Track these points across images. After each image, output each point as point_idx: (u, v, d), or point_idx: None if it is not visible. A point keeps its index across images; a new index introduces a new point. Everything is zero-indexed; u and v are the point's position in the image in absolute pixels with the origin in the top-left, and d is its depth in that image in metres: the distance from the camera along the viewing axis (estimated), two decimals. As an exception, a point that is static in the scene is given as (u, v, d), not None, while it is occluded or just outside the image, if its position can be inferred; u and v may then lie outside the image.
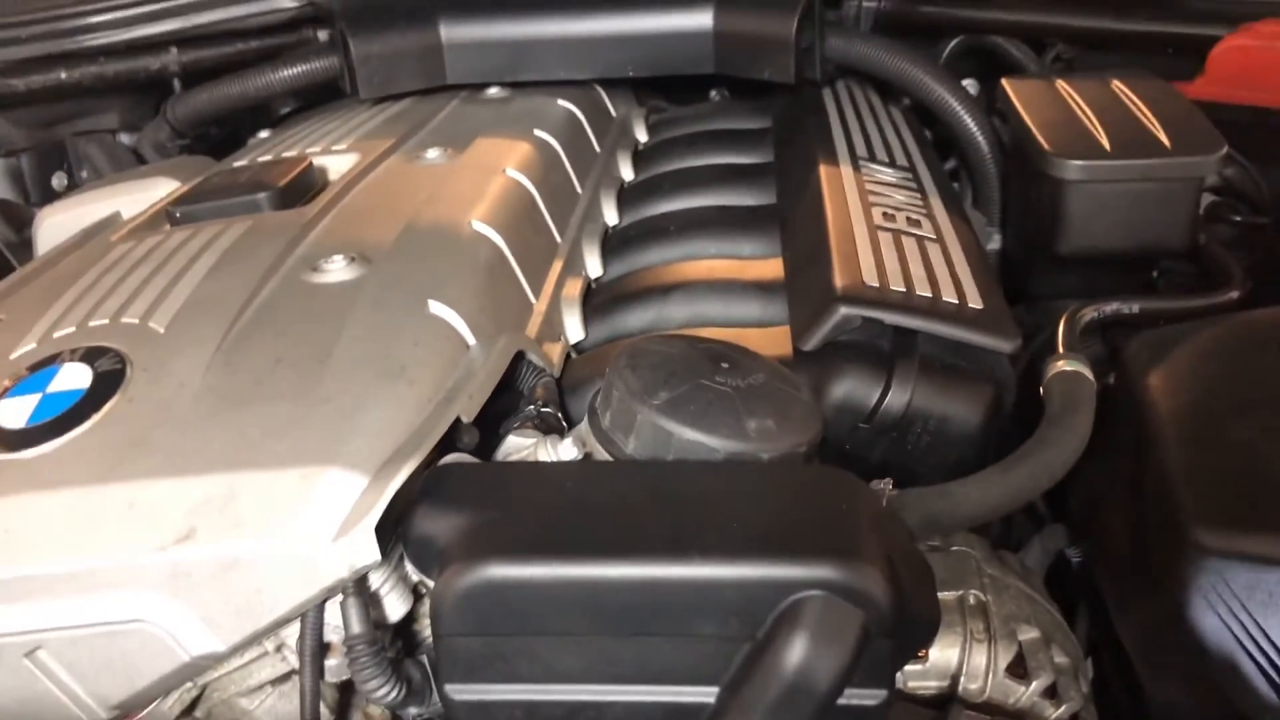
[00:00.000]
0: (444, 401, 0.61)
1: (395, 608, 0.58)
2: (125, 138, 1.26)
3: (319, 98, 1.33)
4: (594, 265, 0.93)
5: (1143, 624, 0.66)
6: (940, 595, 0.66)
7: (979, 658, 0.65)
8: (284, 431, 0.57)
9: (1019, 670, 0.65)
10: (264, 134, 1.19)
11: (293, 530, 0.54)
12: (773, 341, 0.74)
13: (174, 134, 1.22)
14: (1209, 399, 0.64)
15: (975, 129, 1.04)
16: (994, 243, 1.05)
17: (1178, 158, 0.80)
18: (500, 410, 0.70)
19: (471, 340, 0.68)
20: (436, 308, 0.67)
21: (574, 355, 0.79)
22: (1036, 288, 0.96)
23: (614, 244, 0.97)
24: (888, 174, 0.91)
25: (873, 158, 0.95)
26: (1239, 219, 0.95)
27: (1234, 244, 0.90)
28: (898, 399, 0.68)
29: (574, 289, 0.86)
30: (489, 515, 0.53)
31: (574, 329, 0.82)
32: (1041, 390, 0.69)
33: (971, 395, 0.69)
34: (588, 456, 0.60)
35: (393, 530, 0.55)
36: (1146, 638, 0.66)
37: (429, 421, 0.59)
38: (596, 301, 0.87)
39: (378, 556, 0.54)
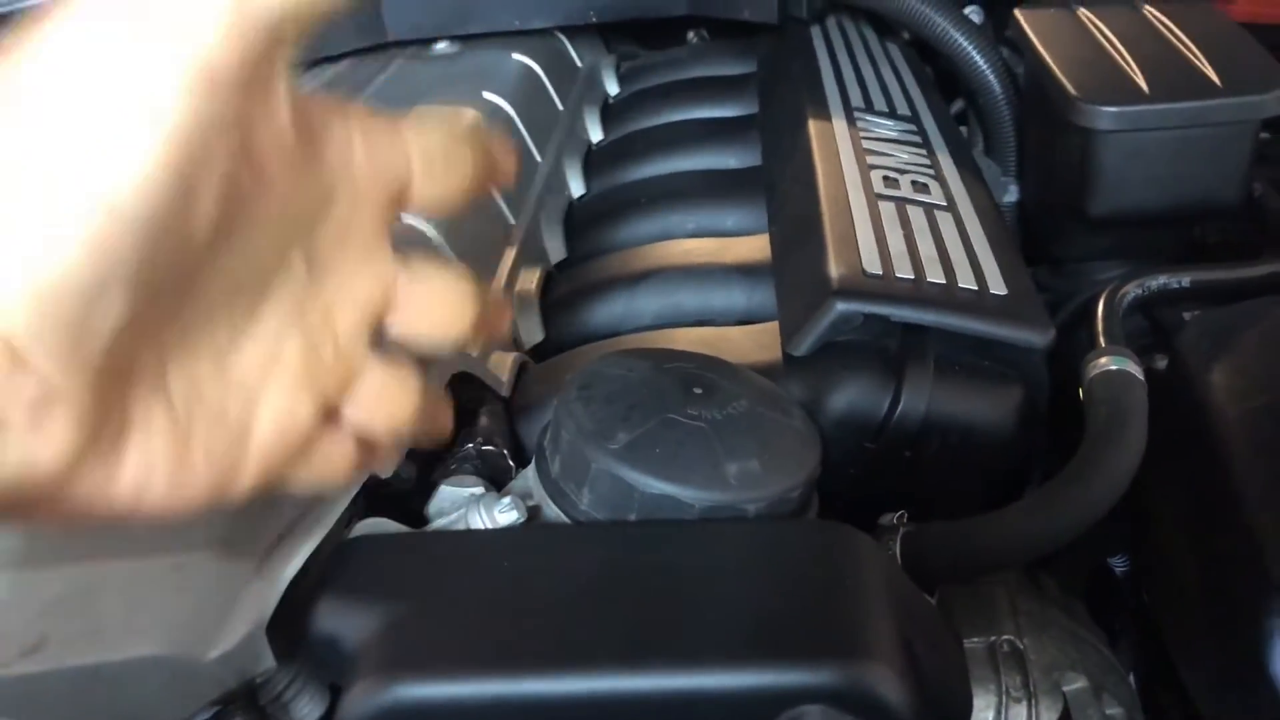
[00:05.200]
0: (355, 453, 0.50)
1: (306, 712, 0.47)
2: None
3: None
4: (556, 248, 0.81)
5: (1213, 666, 0.56)
6: (965, 644, 0.56)
7: (1017, 719, 0.54)
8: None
9: (1066, 730, 0.55)
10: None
11: (163, 634, 0.43)
12: (758, 343, 0.63)
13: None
14: (1288, 400, 0.53)
15: (986, 67, 0.91)
16: (1010, 194, 0.93)
17: (1230, 98, 0.68)
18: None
19: (396, 365, 0.56)
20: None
21: (530, 364, 0.68)
22: (1061, 249, 0.84)
23: (579, 220, 0.85)
24: (888, 127, 0.79)
25: (870, 108, 0.83)
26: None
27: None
28: (911, 410, 0.57)
29: (530, 282, 0.74)
30: (404, 612, 0.42)
31: (531, 331, 0.71)
32: (1081, 393, 0.57)
33: (999, 400, 0.58)
34: (535, 512, 0.49)
35: (293, 622, 0.45)
36: (1217, 681, 0.56)
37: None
38: (558, 294, 0.75)
39: (272, 662, 0.44)
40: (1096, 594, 0.71)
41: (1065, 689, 0.56)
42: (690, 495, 0.46)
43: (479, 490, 0.52)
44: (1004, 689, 0.54)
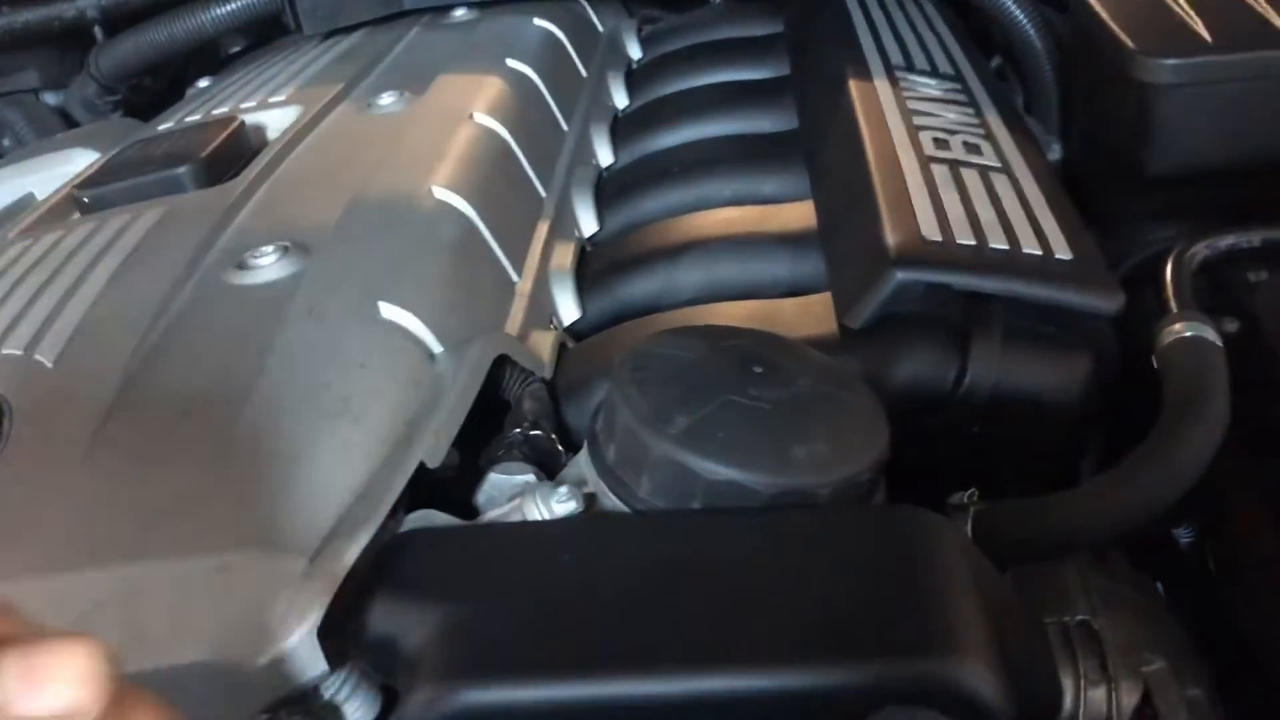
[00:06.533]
0: (402, 442, 0.48)
1: (359, 716, 0.45)
2: (50, 97, 1.11)
3: (271, 33, 1.17)
4: (588, 221, 0.79)
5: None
6: (1040, 624, 0.54)
7: (1096, 703, 0.52)
8: (194, 505, 0.44)
9: (1147, 713, 0.52)
10: (203, 83, 1.04)
11: (210, 639, 0.41)
12: (811, 315, 0.60)
13: (102, 90, 1.06)
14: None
15: (1026, 21, 0.88)
16: (1054, 153, 0.90)
17: (1299, 46, 0.64)
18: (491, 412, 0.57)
19: (436, 348, 0.54)
20: (389, 311, 0.53)
21: (569, 344, 0.65)
22: (1111, 209, 0.80)
23: (610, 190, 0.83)
24: (932, 87, 0.76)
25: (911, 67, 0.79)
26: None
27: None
28: (979, 382, 0.54)
29: (565, 256, 0.71)
30: (464, 611, 0.40)
31: (568, 308, 0.68)
32: (1155, 361, 0.55)
33: (1069, 370, 0.55)
34: (591, 501, 0.47)
35: (346, 624, 0.43)
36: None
37: (383, 474, 0.46)
38: (594, 269, 0.73)
39: (324, 666, 0.42)
40: (1154, 563, 0.69)
41: (1144, 670, 0.53)
42: (756, 481, 0.44)
43: (529, 478, 0.50)
44: (1081, 673, 0.52)
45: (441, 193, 0.63)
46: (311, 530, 0.43)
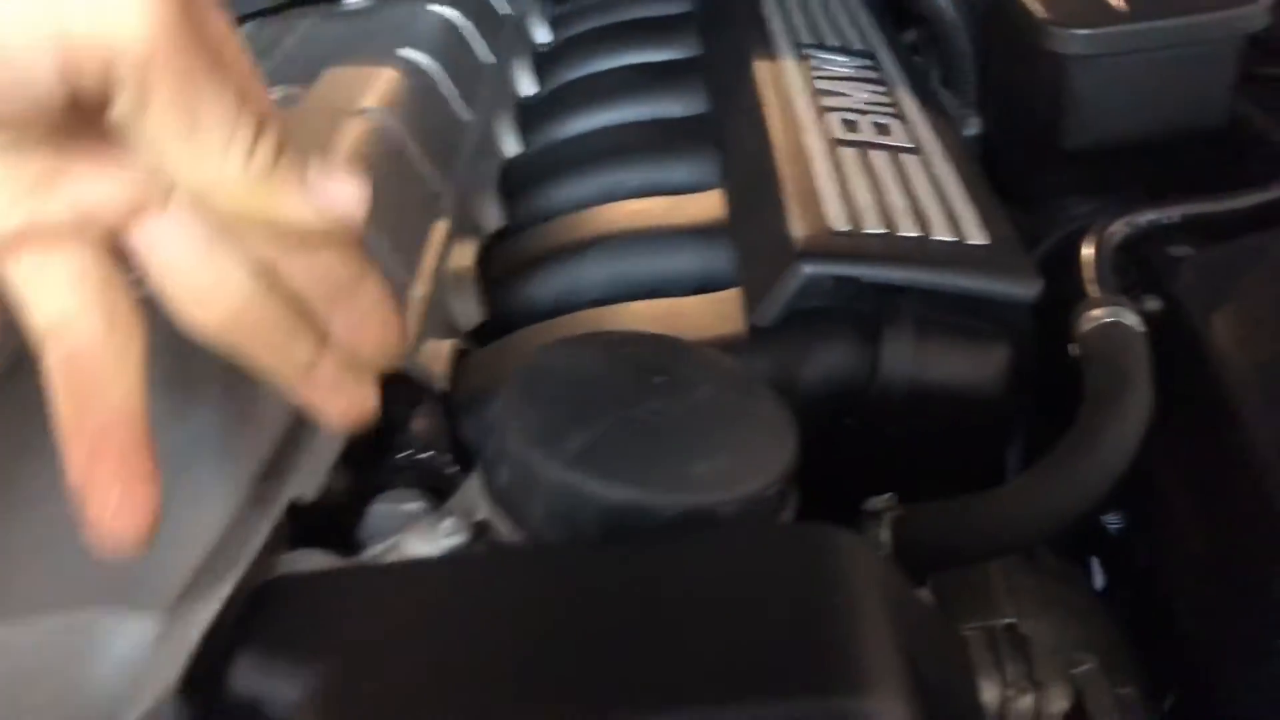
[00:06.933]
0: (270, 476, 0.44)
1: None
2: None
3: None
4: (491, 216, 0.75)
5: (1226, 634, 0.52)
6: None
7: (1023, 713, 0.50)
8: (36, 560, 0.40)
9: (1078, 717, 0.50)
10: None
11: (58, 710, 0.37)
12: (719, 314, 0.57)
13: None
14: (1302, 346, 0.49)
15: (939, -8, 0.85)
16: (972, 128, 0.88)
17: (1213, 13, 0.62)
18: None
19: (314, 367, 0.50)
20: (260, 330, 0.49)
21: (471, 351, 0.61)
22: (1030, 185, 0.78)
23: (515, 183, 0.79)
24: (842, 64, 0.73)
25: (821, 44, 0.77)
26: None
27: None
28: (892, 378, 0.52)
29: (465, 256, 0.68)
30: (337, 668, 0.37)
31: (468, 312, 0.65)
32: (1075, 349, 0.52)
33: (986, 361, 0.53)
34: (484, 529, 0.44)
35: (210, 685, 0.39)
36: (1231, 650, 0.52)
37: (249, 514, 0.42)
38: (496, 269, 0.69)
39: (186, 732, 0.38)
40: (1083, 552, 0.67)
41: (1073, 672, 0.51)
42: (654, 501, 0.41)
43: (418, 507, 0.46)
44: (1008, 680, 0.50)
45: (324, 193, 0.59)
46: (167, 583, 0.39)
